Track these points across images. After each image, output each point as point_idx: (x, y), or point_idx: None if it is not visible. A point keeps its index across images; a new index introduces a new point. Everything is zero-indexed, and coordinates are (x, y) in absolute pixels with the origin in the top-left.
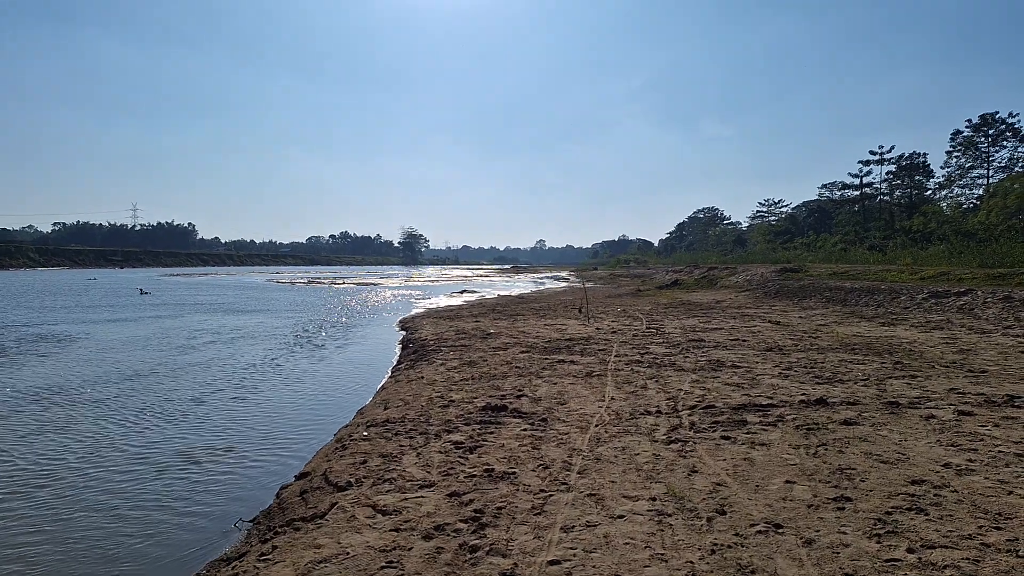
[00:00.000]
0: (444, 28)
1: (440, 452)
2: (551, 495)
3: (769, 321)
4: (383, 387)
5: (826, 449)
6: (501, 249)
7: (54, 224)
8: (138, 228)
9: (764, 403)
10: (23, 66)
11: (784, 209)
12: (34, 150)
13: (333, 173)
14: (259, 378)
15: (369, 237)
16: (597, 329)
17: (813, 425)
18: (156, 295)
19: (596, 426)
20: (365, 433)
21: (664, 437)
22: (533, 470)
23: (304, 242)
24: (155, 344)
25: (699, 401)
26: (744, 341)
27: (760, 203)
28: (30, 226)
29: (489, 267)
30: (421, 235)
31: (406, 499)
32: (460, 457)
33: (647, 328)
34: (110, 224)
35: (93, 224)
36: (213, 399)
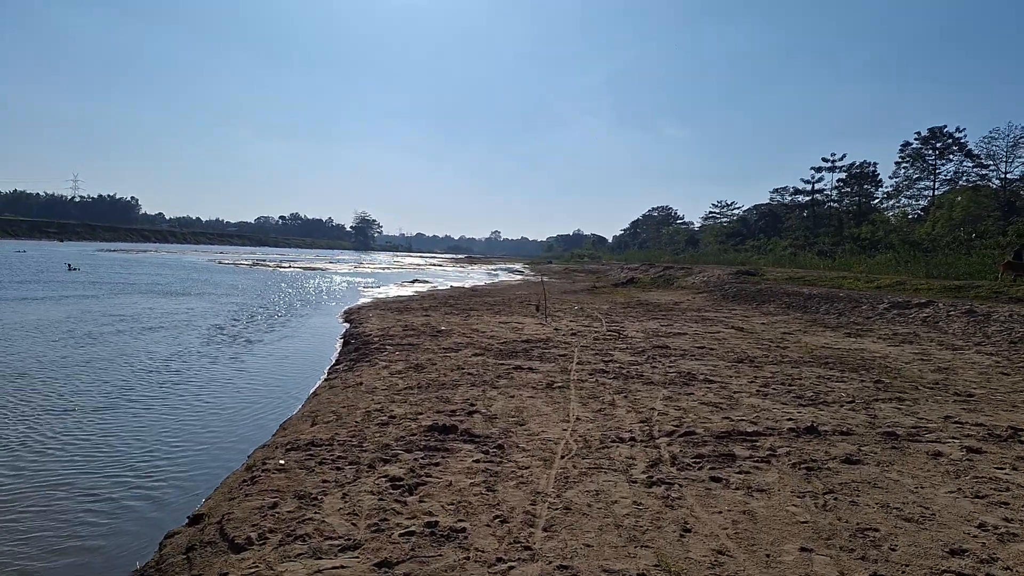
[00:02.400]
0: (404, 15)
1: (372, 493)
2: (511, 567)
3: (733, 327)
4: (315, 394)
5: (836, 499)
6: (456, 239)
7: None
8: (77, 200)
9: (750, 430)
10: None
11: (736, 211)
12: None
13: (286, 154)
14: (171, 378)
15: (321, 220)
16: (556, 330)
17: (811, 463)
18: (86, 272)
19: (562, 457)
20: (282, 461)
21: (644, 476)
22: (488, 524)
23: (252, 222)
24: (61, 330)
25: (676, 425)
26: (711, 350)
27: (713, 204)
28: None
29: (443, 256)
30: (374, 220)
31: (320, 571)
32: (397, 500)
33: (608, 331)
34: (47, 194)
35: (29, 194)
36: (109, 404)
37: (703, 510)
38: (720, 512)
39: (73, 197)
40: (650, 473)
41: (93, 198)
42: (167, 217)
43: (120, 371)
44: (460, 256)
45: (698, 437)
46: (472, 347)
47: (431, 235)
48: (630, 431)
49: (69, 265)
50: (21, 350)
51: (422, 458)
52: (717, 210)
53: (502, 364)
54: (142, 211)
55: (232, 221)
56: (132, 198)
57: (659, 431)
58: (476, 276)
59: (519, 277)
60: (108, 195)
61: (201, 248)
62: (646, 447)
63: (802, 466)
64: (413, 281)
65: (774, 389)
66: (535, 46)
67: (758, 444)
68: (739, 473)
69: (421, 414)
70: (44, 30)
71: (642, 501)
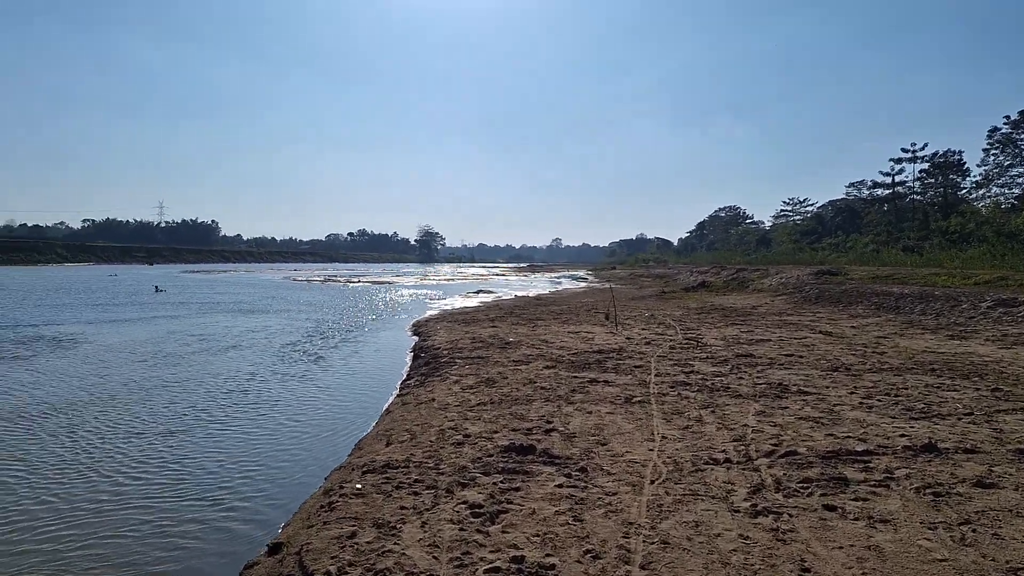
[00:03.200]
0: (454, 27)
1: (452, 522)
2: None
3: (820, 331)
4: (388, 411)
5: (975, 531)
6: (517, 247)
7: (84, 221)
8: (163, 225)
9: (859, 449)
10: (55, 70)
11: (809, 208)
12: (67, 150)
13: (352, 171)
14: (247, 398)
15: (386, 235)
16: (628, 339)
17: (937, 487)
18: (171, 293)
19: (652, 482)
20: (359, 485)
21: (747, 505)
22: (578, 560)
23: (323, 239)
24: (147, 351)
25: (775, 444)
26: (801, 357)
27: (784, 202)
28: (61, 223)
29: (505, 265)
30: (437, 233)
31: None
32: (479, 531)
33: (684, 339)
34: (136, 221)
35: (120, 221)
36: (186, 425)
37: (820, 545)
38: (841, 548)
39: (159, 222)
40: (753, 500)
41: (177, 223)
42: (245, 238)
43: (197, 392)
44: (522, 264)
45: (802, 457)
46: (542, 359)
47: (492, 245)
48: (724, 451)
49: (156, 287)
50: (109, 372)
51: (501, 482)
52: (789, 207)
53: (575, 377)
54: (222, 233)
55: (304, 239)
56: (213, 221)
57: (756, 451)
58: (540, 284)
59: (583, 284)
60: (191, 219)
61: (276, 266)
62: (744, 470)
63: (927, 491)
64: (478, 292)
65: (879, 400)
66: (586, 51)
67: (872, 465)
68: (855, 500)
69: (496, 432)
70: (130, 67)
71: (749, 534)
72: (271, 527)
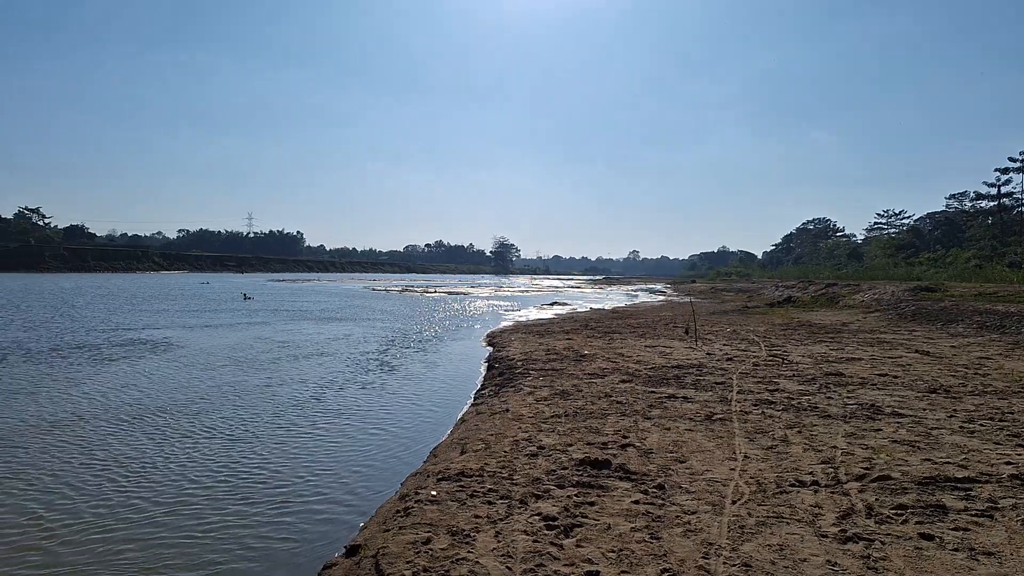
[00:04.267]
0: (530, 37)
1: (526, 532)
2: None
3: (916, 351)
4: (463, 419)
5: None
6: (592, 259)
7: (179, 231)
8: (252, 236)
9: (959, 476)
10: (152, 89)
11: (905, 221)
12: (165, 163)
13: (428, 183)
14: (325, 403)
15: (462, 246)
16: (708, 354)
17: None
18: (258, 300)
19: (734, 502)
20: (434, 492)
21: (835, 530)
22: None
23: (401, 250)
24: (234, 356)
25: (866, 468)
26: (895, 377)
27: (878, 214)
28: (159, 232)
29: (580, 278)
30: (512, 244)
31: None
32: (552, 543)
33: (769, 355)
34: (227, 232)
35: (212, 232)
36: (269, 431)
37: None
38: None
39: (248, 233)
40: (842, 526)
41: (265, 233)
42: (327, 248)
43: (281, 396)
44: (598, 277)
45: (896, 483)
46: (618, 373)
47: (568, 257)
48: (811, 473)
49: (244, 295)
50: (198, 376)
51: (576, 495)
52: (883, 220)
53: (653, 392)
54: (306, 244)
55: (383, 250)
56: (298, 232)
57: (846, 474)
58: (616, 297)
59: (661, 298)
60: (277, 230)
61: (356, 276)
62: (833, 493)
63: None
64: (552, 304)
65: (981, 425)
66: (663, 59)
67: (973, 494)
68: (955, 530)
69: (571, 445)
70: (227, 89)
71: (837, 561)
72: (349, 529)
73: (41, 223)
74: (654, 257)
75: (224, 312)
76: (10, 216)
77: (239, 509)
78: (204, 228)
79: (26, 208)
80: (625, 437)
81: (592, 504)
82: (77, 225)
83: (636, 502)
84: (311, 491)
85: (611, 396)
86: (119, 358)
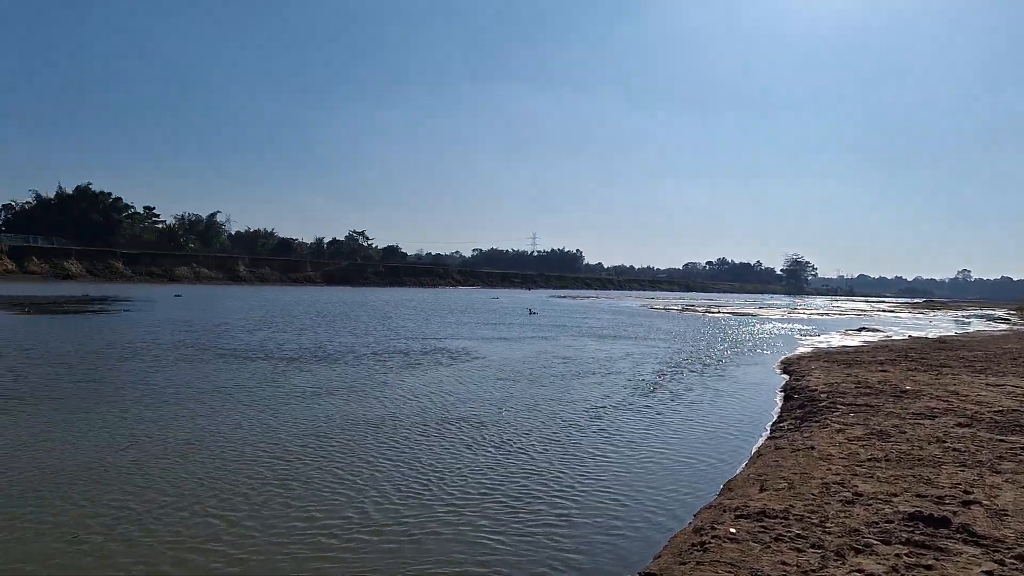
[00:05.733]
0: (830, 40)
1: None
2: None
3: None
4: (758, 453)
5: None
6: (909, 280)
7: (473, 250)
8: (535, 254)
9: None
10: (460, 119)
11: None
12: (463, 188)
13: (709, 198)
14: (607, 423)
15: (748, 264)
16: None
17: None
18: (542, 316)
19: None
20: (732, 529)
21: None
22: None
23: (681, 268)
24: (523, 369)
25: None
26: None
27: None
28: (456, 252)
29: (893, 300)
30: (808, 262)
31: None
32: None
33: None
34: (514, 250)
35: (501, 250)
36: (546, 448)
37: None
38: None
39: (532, 251)
40: None
41: (547, 252)
42: (605, 266)
43: (561, 413)
44: (917, 300)
45: None
46: (952, 414)
47: (877, 276)
48: None
49: (530, 310)
50: (490, 387)
51: (906, 555)
52: None
53: (1002, 441)
54: (585, 261)
55: (661, 268)
56: (577, 250)
57: None
58: (941, 324)
59: (1003, 326)
60: (558, 248)
61: (633, 294)
62: None
63: None
64: (860, 329)
65: None
66: (995, 50)
67: None
68: None
69: (895, 495)
70: (515, 113)
71: None
72: (639, 555)
73: (365, 243)
74: (992, 278)
75: (513, 326)
76: (342, 238)
77: (527, 518)
78: (494, 247)
79: (354, 231)
80: (967, 492)
81: (929, 568)
82: (393, 246)
83: (988, 572)
84: (598, 511)
85: (944, 442)
86: (426, 364)
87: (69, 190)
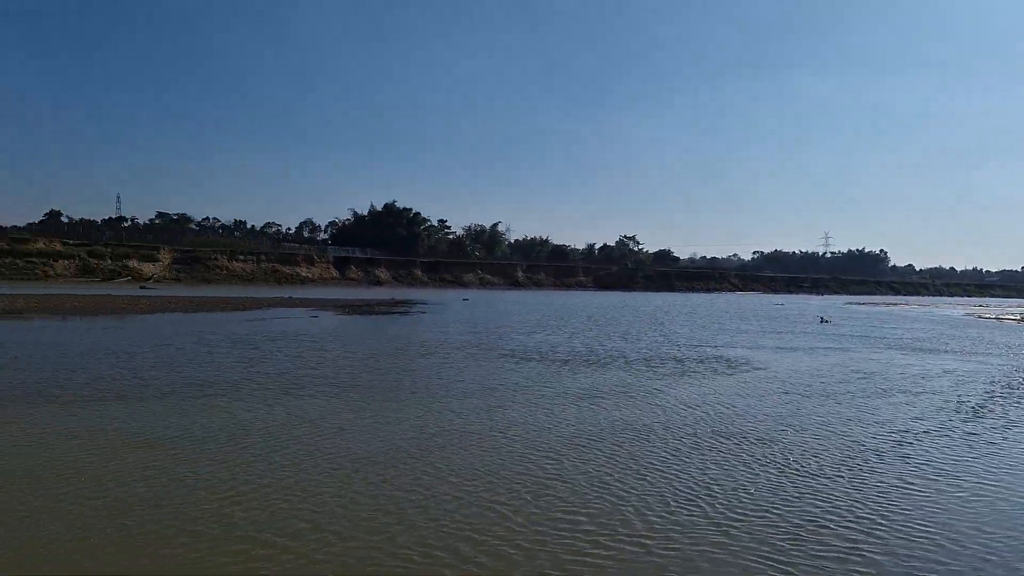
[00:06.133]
0: None
1: None
2: None
3: None
4: None
5: None
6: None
7: (753, 252)
8: (827, 255)
9: None
10: (734, 117)
11: None
12: (740, 185)
13: None
14: (917, 452)
15: None
16: None
17: None
18: (836, 325)
19: None
20: None
21: None
22: None
23: (1019, 270)
24: (810, 383)
25: None
26: None
27: None
28: (734, 255)
29: None
30: None
31: None
32: None
33: None
34: (801, 252)
35: (786, 252)
36: (845, 469)
37: None
38: None
39: (824, 253)
40: None
41: (842, 253)
42: (917, 268)
43: (858, 436)
44: None
45: None
46: None
47: None
48: None
49: (822, 318)
50: (771, 402)
51: None
52: None
53: None
54: (891, 263)
55: (992, 270)
56: (881, 250)
57: None
58: None
59: None
60: (856, 249)
61: (956, 300)
62: None
63: None
64: None
65: None
66: None
67: None
68: None
69: None
70: (798, 101)
71: None
72: None
73: (635, 248)
74: None
75: (801, 335)
76: (613, 243)
77: (812, 549)
78: (778, 249)
79: (625, 236)
80: None
81: None
82: (664, 250)
83: None
84: (903, 549)
85: None
86: (701, 373)
87: (379, 207)
